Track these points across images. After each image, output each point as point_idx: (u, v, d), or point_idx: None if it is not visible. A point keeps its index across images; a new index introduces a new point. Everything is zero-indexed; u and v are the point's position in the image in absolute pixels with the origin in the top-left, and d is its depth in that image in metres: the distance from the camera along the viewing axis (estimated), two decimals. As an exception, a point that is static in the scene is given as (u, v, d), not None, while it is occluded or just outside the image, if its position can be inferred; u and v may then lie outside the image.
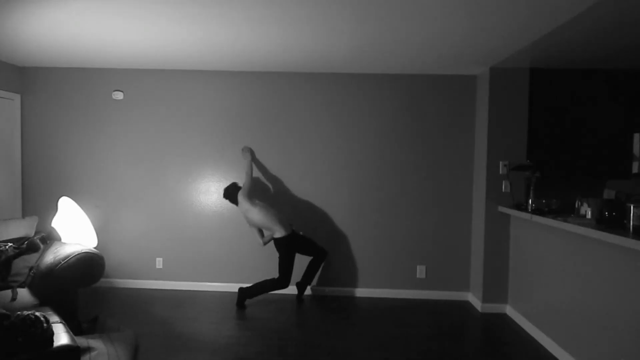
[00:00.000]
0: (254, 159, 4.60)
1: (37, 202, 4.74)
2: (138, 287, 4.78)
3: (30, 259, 3.28)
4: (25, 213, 4.70)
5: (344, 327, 3.87)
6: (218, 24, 3.15)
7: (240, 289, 4.32)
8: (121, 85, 4.74)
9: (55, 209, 3.21)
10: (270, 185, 4.71)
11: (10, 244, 2.83)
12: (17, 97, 4.69)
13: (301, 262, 4.43)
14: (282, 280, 4.23)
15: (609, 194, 3.31)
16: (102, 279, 3.75)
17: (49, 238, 3.03)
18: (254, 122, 4.70)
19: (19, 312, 2.28)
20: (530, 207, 3.76)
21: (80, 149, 4.77)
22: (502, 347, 3.58)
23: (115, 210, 4.78)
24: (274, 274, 4.45)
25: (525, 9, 2.74)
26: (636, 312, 2.54)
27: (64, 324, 2.60)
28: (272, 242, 4.35)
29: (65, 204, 3.19)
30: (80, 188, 4.74)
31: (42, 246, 2.92)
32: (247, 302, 4.37)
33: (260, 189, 4.67)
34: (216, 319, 3.97)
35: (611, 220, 2.83)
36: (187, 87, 4.72)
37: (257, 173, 4.67)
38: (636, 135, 3.81)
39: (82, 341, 2.90)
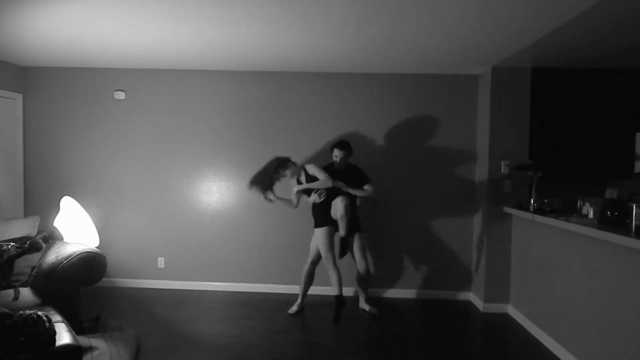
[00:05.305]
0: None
1: (39, 202, 4.75)
2: (140, 286, 4.79)
3: (33, 258, 3.29)
4: (27, 213, 4.71)
5: (345, 327, 3.86)
6: (225, 23, 3.15)
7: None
8: (123, 85, 4.74)
9: (57, 208, 3.20)
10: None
11: (12, 244, 2.83)
12: (19, 97, 4.69)
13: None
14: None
15: (611, 193, 3.30)
16: (104, 279, 3.75)
17: (51, 237, 3.02)
18: (256, 121, 4.70)
19: (21, 312, 2.28)
20: (532, 207, 3.75)
21: (82, 148, 4.78)
22: (503, 347, 3.58)
23: (117, 209, 4.79)
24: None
25: (527, 9, 2.74)
26: (638, 312, 2.54)
27: (66, 324, 2.61)
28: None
29: (67, 203, 3.18)
30: (82, 188, 4.75)
31: (44, 246, 2.91)
32: (249, 302, 4.38)
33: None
34: (218, 319, 3.97)
35: (613, 220, 2.83)
36: (188, 87, 4.72)
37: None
38: (638, 135, 3.80)
39: (84, 340, 2.91)
